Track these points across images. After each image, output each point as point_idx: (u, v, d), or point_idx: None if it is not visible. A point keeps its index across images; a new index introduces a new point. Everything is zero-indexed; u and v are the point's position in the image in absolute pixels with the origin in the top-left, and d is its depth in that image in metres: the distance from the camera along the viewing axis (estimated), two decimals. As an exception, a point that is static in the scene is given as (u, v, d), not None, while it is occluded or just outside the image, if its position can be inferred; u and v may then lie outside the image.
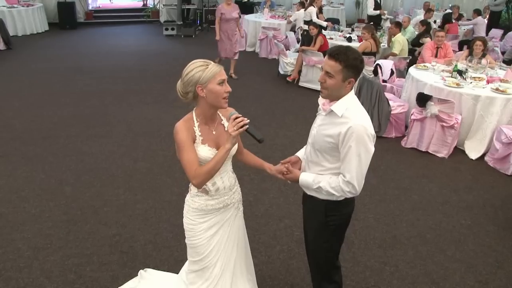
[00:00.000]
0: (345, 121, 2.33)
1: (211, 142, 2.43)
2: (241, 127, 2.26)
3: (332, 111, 2.40)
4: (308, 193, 2.63)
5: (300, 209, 4.50)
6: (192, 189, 2.59)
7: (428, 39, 8.94)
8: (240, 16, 9.22)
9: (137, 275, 3.51)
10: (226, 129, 2.45)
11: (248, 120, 2.29)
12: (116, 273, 3.59)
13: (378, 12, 11.53)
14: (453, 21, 12.12)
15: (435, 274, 3.73)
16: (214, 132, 2.46)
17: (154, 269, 3.46)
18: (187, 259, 3.69)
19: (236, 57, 9.30)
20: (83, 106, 7.44)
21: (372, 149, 2.38)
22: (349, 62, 2.29)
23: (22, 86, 8.46)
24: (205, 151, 2.39)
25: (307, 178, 2.55)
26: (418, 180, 5.30)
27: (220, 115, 2.53)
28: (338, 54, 2.29)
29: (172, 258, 3.77)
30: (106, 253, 3.82)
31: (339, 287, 2.91)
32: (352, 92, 2.44)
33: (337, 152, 2.41)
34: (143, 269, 3.41)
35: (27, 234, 4.04)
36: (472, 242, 4.19)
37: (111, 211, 4.45)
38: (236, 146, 2.51)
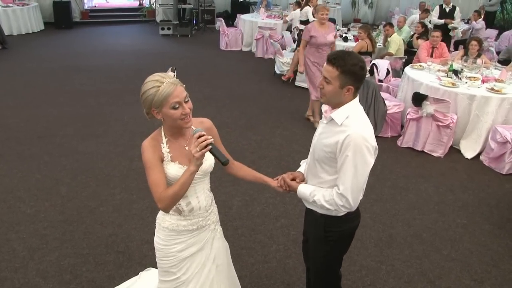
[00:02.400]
0: (344, 129, 2.21)
1: (183, 159, 2.21)
2: (205, 146, 2.03)
3: (332, 119, 2.29)
4: (307, 206, 2.55)
5: (297, 208, 4.55)
6: None
7: (421, 41, 9.00)
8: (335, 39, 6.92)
9: (133, 275, 3.51)
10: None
11: (212, 140, 2.07)
12: (112, 273, 3.58)
13: (442, 21, 10.57)
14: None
15: (430, 273, 3.75)
16: (186, 148, 2.23)
17: (149, 269, 3.43)
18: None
19: None
20: (79, 105, 7.42)
21: (371, 161, 2.25)
22: (347, 67, 2.18)
23: (18, 86, 8.43)
24: (175, 169, 2.18)
25: (304, 190, 2.45)
26: (414, 180, 5.32)
27: (193, 128, 2.19)
28: (335, 59, 2.20)
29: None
30: (102, 253, 3.81)
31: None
32: (356, 100, 2.30)
33: (335, 162, 2.29)
34: (144, 270, 3.35)
35: (22, 234, 4.02)
36: (468, 241, 4.20)
37: (107, 211, 4.44)
38: (212, 163, 2.30)
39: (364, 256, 3.91)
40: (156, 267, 3.35)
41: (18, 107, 7.24)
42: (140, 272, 3.34)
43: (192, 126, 2.18)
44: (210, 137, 2.07)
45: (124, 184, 4.95)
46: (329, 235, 2.48)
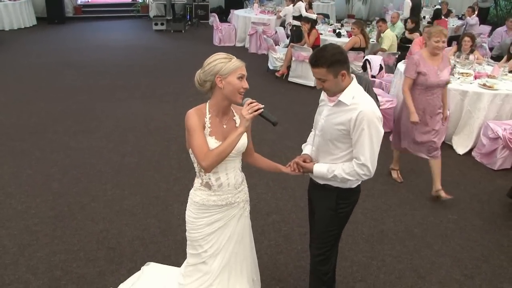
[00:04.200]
0: (354, 107, 2.44)
1: (219, 135, 2.41)
2: (256, 110, 2.31)
3: (340, 101, 2.49)
4: (322, 182, 2.71)
5: (288, 204, 4.55)
6: (196, 183, 2.58)
7: (417, 34, 8.99)
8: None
9: (124, 271, 3.50)
10: (236, 125, 2.49)
11: (263, 105, 2.35)
12: (103, 269, 3.57)
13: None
14: (442, 17, 12.14)
15: (421, 268, 3.76)
16: (224, 126, 2.46)
17: (149, 264, 3.42)
18: (174, 255, 3.69)
19: (437, 155, 4.76)
20: (71, 101, 7.38)
21: (382, 130, 2.49)
22: (329, 61, 2.39)
23: (9, 81, 8.37)
24: (211, 143, 2.38)
25: (321, 169, 2.62)
26: (405, 175, 5.33)
27: (234, 111, 2.53)
28: (316, 60, 2.42)
29: (159, 253, 3.76)
30: (93, 249, 3.80)
31: (334, 268, 2.99)
32: (354, 81, 2.53)
33: (349, 138, 2.50)
34: (145, 265, 3.36)
35: (13, 231, 4.00)
36: (459, 236, 4.22)
37: (99, 207, 4.42)
38: (245, 142, 2.51)
39: (355, 252, 3.92)
40: (154, 261, 3.45)
41: (9, 103, 7.19)
42: (142, 267, 3.35)
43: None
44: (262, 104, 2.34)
45: (116, 180, 4.93)
46: (340, 206, 2.71)
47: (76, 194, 4.64)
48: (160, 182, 4.90)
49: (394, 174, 5.30)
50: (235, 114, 2.53)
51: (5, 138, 5.87)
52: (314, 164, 2.67)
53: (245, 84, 2.36)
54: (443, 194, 4.73)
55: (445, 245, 4.09)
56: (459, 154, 5.99)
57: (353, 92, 2.49)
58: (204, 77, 2.37)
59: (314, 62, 2.43)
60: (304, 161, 2.70)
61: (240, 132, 2.33)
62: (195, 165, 2.52)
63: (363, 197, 4.74)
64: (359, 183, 2.73)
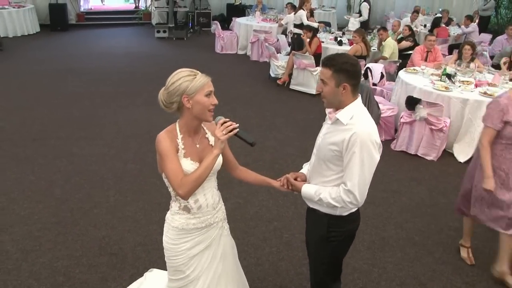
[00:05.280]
0: (350, 128, 2.30)
1: (194, 156, 2.32)
2: (230, 131, 2.20)
3: (337, 119, 2.36)
4: (311, 206, 2.58)
5: (290, 211, 4.57)
6: (173, 207, 2.47)
7: (407, 43, 9.16)
8: None
9: (126, 277, 3.52)
10: (209, 143, 2.40)
11: (238, 124, 2.23)
12: (105, 275, 3.59)
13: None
14: (442, 25, 12.22)
15: (422, 276, 3.77)
16: (198, 146, 2.36)
17: (152, 270, 3.43)
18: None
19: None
20: (74, 108, 7.42)
21: (377, 157, 2.33)
22: (338, 66, 2.30)
23: (12, 87, 8.41)
24: (187, 165, 2.28)
25: (309, 190, 2.50)
26: (407, 183, 5.35)
27: (205, 128, 2.43)
28: (328, 60, 2.34)
29: (161, 260, 3.75)
30: (96, 255, 3.82)
31: None
32: (359, 100, 2.41)
33: (341, 161, 2.35)
34: (148, 271, 3.38)
35: (16, 236, 4.02)
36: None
37: (101, 213, 4.44)
38: (220, 161, 2.42)
39: (356, 259, 3.93)
40: (156, 267, 3.43)
41: (12, 109, 7.23)
42: (145, 273, 3.36)
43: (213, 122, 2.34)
44: (235, 122, 2.23)
45: (118, 186, 4.95)
46: (331, 235, 2.53)
47: (79, 200, 4.66)
48: (162, 189, 4.89)
49: (464, 253, 4.04)
50: (207, 131, 2.44)
51: (8, 144, 5.91)
52: (303, 184, 2.56)
53: (214, 101, 2.25)
54: (510, 280, 3.64)
55: (446, 252, 4.10)
56: (460, 162, 6.00)
57: (353, 112, 2.34)
58: (169, 98, 2.26)
59: (326, 61, 2.35)
60: (296, 179, 2.60)
61: (216, 155, 2.24)
62: (170, 189, 2.42)
63: (364, 205, 4.72)
64: (353, 211, 2.52)
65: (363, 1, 12.59)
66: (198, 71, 2.28)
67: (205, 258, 2.51)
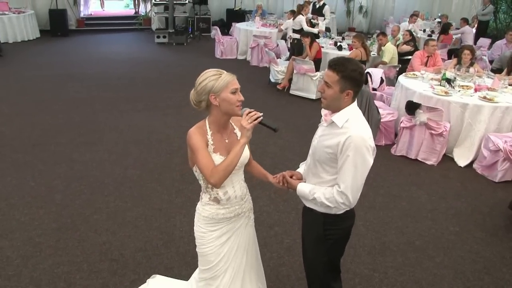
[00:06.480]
0: (345, 131, 2.33)
1: (223, 151, 2.44)
2: (255, 119, 2.32)
3: (333, 122, 2.40)
4: (307, 205, 2.63)
5: (290, 216, 4.56)
6: (203, 198, 2.59)
7: (408, 47, 9.18)
8: None
9: (127, 282, 3.51)
10: (238, 138, 2.50)
11: (262, 113, 2.35)
12: (106, 280, 3.58)
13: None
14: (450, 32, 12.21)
15: (423, 280, 3.77)
16: (226, 141, 2.49)
17: (154, 277, 3.44)
18: (177, 266, 3.71)
19: None
20: (74, 113, 7.43)
21: (370, 161, 2.37)
22: (347, 73, 2.30)
23: (12, 93, 8.43)
24: (216, 159, 2.40)
25: (304, 188, 2.56)
26: (407, 188, 5.35)
27: (233, 124, 2.56)
28: (336, 64, 2.33)
29: (162, 265, 3.77)
30: (96, 261, 3.81)
31: None
32: (355, 104, 2.44)
33: (336, 163, 2.40)
34: (150, 278, 3.38)
35: (16, 242, 4.02)
36: (460, 248, 4.23)
37: (101, 219, 4.44)
38: (248, 154, 2.55)
39: (357, 264, 3.92)
40: (157, 273, 3.46)
41: (13, 115, 7.24)
42: (148, 280, 3.37)
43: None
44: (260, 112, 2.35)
45: (118, 192, 4.95)
46: (328, 233, 2.58)
47: (79, 206, 4.66)
48: (162, 194, 4.92)
49: None
50: (235, 127, 2.57)
51: (8, 150, 5.91)
52: (299, 182, 2.61)
53: (240, 97, 2.38)
54: None
55: (447, 257, 4.09)
56: (460, 167, 6.01)
57: (348, 115, 2.37)
58: (198, 97, 2.40)
59: (333, 64, 2.33)
60: (291, 177, 2.66)
61: (243, 143, 2.35)
62: (201, 182, 2.55)
63: (365, 209, 4.77)
64: (348, 209, 2.55)
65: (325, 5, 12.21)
66: (223, 71, 2.41)
67: (232, 247, 2.65)
